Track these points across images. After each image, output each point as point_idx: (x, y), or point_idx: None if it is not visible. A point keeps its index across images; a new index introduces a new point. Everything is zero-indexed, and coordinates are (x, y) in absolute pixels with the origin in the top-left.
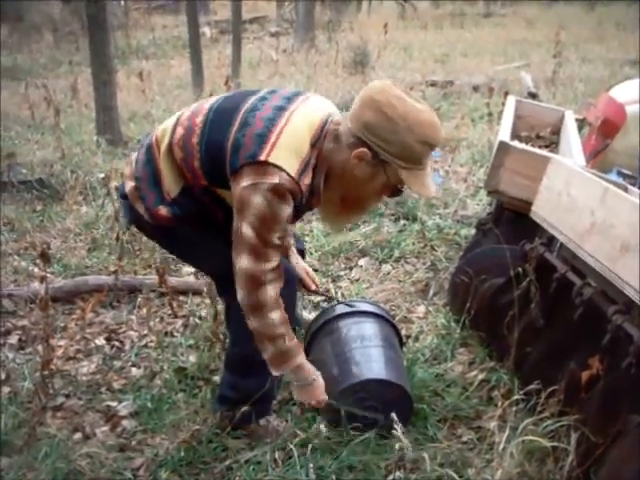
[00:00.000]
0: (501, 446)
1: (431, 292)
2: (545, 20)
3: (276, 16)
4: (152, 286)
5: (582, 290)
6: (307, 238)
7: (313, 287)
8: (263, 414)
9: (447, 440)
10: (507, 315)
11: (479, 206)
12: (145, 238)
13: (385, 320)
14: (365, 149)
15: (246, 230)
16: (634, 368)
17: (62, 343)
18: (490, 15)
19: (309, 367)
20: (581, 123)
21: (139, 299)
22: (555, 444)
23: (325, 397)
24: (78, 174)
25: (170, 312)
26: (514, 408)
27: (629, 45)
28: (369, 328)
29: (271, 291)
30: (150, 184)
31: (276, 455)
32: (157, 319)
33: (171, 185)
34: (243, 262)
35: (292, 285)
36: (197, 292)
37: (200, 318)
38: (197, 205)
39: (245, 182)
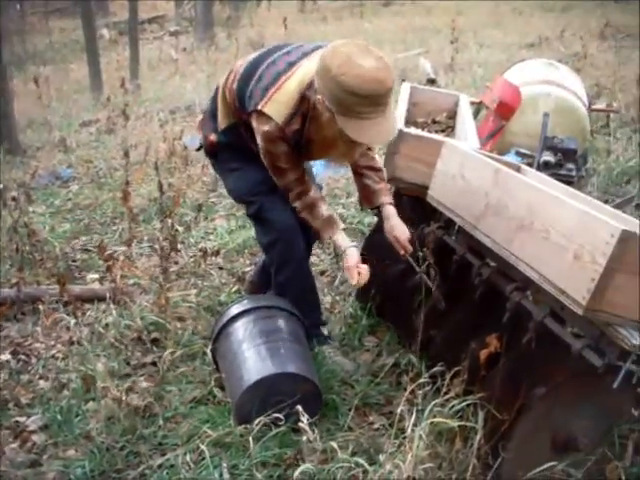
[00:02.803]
0: (409, 429)
1: (337, 282)
2: (443, 7)
3: (175, 15)
4: (56, 296)
5: (481, 270)
6: (211, 237)
7: (402, 252)
8: None
9: (359, 428)
10: (411, 299)
11: None
12: (46, 247)
13: (290, 313)
14: (320, 96)
15: (263, 159)
16: (534, 343)
17: None
18: (389, 4)
19: (342, 241)
20: (478, 106)
21: (42, 310)
22: (462, 424)
23: (360, 268)
24: None
25: (75, 321)
26: (422, 391)
27: (526, 29)
28: (274, 322)
29: (294, 191)
30: (210, 116)
31: (188, 457)
32: (63, 329)
33: (223, 119)
34: (275, 179)
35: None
36: (102, 299)
37: (106, 325)
38: (239, 137)
39: (253, 124)
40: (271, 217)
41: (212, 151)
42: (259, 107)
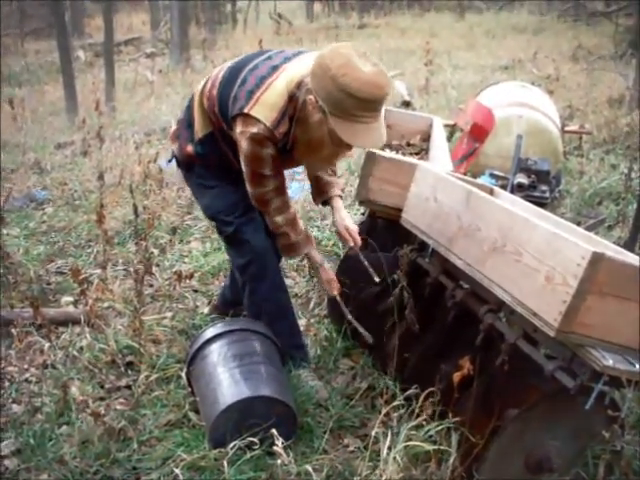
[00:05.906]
0: (385, 452)
1: (312, 304)
2: (417, 29)
3: (151, 37)
4: (30, 319)
5: (454, 292)
6: (186, 259)
7: (351, 244)
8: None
9: (334, 450)
10: (386, 322)
11: (357, 216)
12: (20, 270)
13: (264, 336)
14: (312, 96)
15: (244, 167)
16: (507, 365)
17: None
18: (364, 27)
19: (318, 255)
20: (452, 129)
21: (15, 333)
22: (436, 447)
23: (334, 285)
24: None
25: (49, 344)
26: (397, 414)
27: (499, 51)
28: (248, 345)
29: (273, 204)
30: (186, 125)
31: None
32: (36, 352)
33: (200, 127)
34: (249, 188)
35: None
36: (76, 322)
37: (81, 348)
38: (217, 149)
39: (237, 129)
40: (246, 238)
41: (188, 162)
42: (245, 110)
